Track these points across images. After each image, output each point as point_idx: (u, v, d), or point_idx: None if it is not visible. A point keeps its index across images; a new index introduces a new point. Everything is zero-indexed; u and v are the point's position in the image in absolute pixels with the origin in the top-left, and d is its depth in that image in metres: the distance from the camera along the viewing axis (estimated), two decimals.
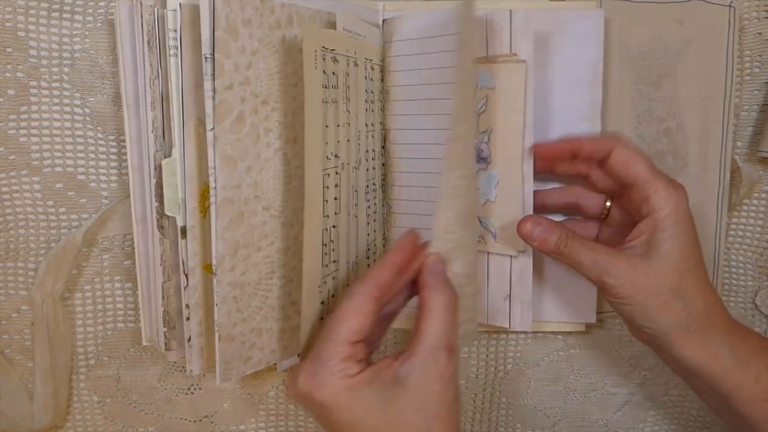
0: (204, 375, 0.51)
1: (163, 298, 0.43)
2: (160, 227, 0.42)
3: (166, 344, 0.43)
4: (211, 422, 0.52)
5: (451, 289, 0.37)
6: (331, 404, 0.34)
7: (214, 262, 0.37)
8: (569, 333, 0.52)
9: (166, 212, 0.41)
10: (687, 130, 0.49)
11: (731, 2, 0.48)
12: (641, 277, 0.39)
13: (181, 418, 0.51)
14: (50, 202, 0.45)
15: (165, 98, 0.40)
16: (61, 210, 0.46)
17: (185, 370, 0.50)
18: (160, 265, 0.42)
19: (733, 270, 0.53)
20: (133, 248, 0.45)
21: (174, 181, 0.40)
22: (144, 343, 0.45)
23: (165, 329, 0.43)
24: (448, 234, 0.38)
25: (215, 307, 0.38)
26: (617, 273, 0.39)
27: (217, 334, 0.38)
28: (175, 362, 0.50)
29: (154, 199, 0.41)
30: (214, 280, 0.37)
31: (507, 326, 0.46)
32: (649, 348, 0.43)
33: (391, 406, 0.34)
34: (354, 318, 0.35)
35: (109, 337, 0.49)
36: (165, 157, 0.41)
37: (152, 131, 0.41)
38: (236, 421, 0.52)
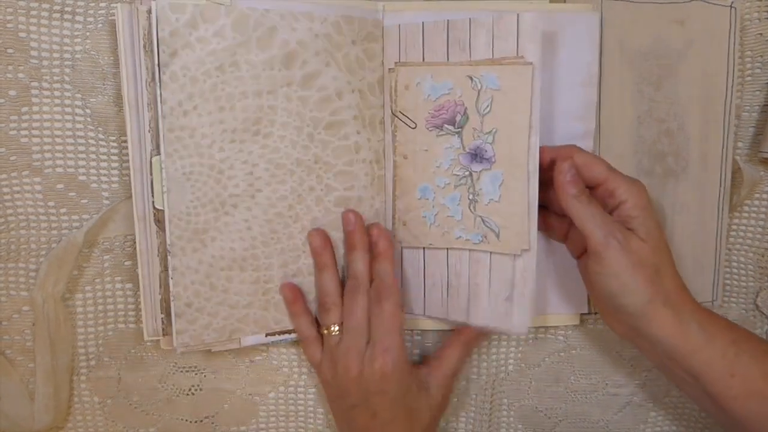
0: (204, 375, 0.50)
1: (160, 286, 0.44)
2: (157, 221, 0.44)
3: (163, 330, 0.45)
4: (212, 423, 0.51)
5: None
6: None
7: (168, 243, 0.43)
8: (569, 333, 0.52)
9: (156, 205, 0.43)
10: (688, 130, 0.49)
11: (732, 3, 0.48)
12: (634, 248, 0.41)
13: (182, 419, 0.51)
14: (51, 203, 0.45)
15: (158, 103, 0.41)
16: (62, 211, 0.46)
17: (185, 371, 0.50)
18: (157, 256, 0.44)
19: (734, 271, 0.53)
20: (134, 249, 0.45)
21: (162, 176, 0.42)
22: (146, 337, 0.45)
23: (162, 315, 0.45)
24: None
25: (170, 280, 0.44)
26: (620, 238, 0.41)
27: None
28: (175, 363, 0.50)
29: (150, 195, 0.43)
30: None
31: (506, 327, 0.46)
32: (627, 339, 0.45)
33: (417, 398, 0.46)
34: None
35: (110, 338, 0.48)
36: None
37: (149, 131, 0.42)
38: (237, 421, 0.52)
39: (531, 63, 0.43)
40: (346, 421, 0.46)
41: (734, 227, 0.52)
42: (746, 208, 0.52)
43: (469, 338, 0.48)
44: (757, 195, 0.52)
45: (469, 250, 0.47)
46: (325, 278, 0.46)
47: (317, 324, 0.47)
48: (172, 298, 0.44)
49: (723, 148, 0.50)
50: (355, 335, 0.44)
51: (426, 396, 0.46)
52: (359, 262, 0.45)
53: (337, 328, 0.45)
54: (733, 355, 0.41)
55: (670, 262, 0.43)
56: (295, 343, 0.50)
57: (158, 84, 0.41)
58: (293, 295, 0.47)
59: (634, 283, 0.41)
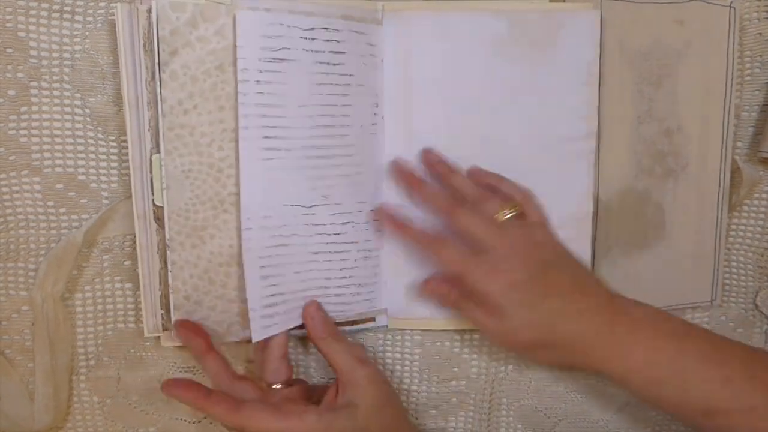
0: (204, 375, 0.50)
1: (160, 283, 0.44)
2: (156, 218, 0.43)
3: (163, 325, 0.45)
4: (211, 423, 0.51)
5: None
6: None
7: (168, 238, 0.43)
8: None
9: (155, 202, 0.43)
10: (687, 130, 0.49)
11: (731, 3, 0.48)
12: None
13: (181, 419, 0.51)
14: (50, 203, 0.45)
15: (158, 101, 0.41)
16: (62, 210, 0.45)
17: (185, 370, 0.49)
18: (157, 253, 0.44)
19: (734, 270, 0.53)
20: (133, 248, 0.45)
21: (162, 174, 0.42)
22: (146, 334, 0.45)
23: (162, 312, 0.45)
24: None
25: (169, 274, 0.43)
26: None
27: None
28: (175, 362, 0.49)
29: (150, 193, 0.43)
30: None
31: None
32: None
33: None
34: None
35: (110, 338, 0.48)
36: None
37: (149, 130, 0.42)
38: None
39: None
40: None
41: (733, 227, 0.52)
42: (746, 208, 0.52)
43: (325, 333, 0.45)
44: (756, 195, 0.51)
45: None
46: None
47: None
48: (171, 291, 0.43)
49: (722, 147, 0.49)
50: None
51: (354, 415, 0.42)
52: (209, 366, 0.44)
53: None
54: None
55: (556, 329, 0.42)
56: (297, 339, 0.50)
57: (158, 82, 0.41)
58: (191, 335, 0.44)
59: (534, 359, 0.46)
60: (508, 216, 0.44)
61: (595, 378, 0.53)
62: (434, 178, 0.47)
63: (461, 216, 0.43)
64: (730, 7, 0.48)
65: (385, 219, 0.47)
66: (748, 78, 0.50)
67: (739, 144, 0.51)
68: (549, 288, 0.42)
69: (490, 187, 0.46)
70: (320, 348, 0.44)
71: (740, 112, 0.50)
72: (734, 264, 0.52)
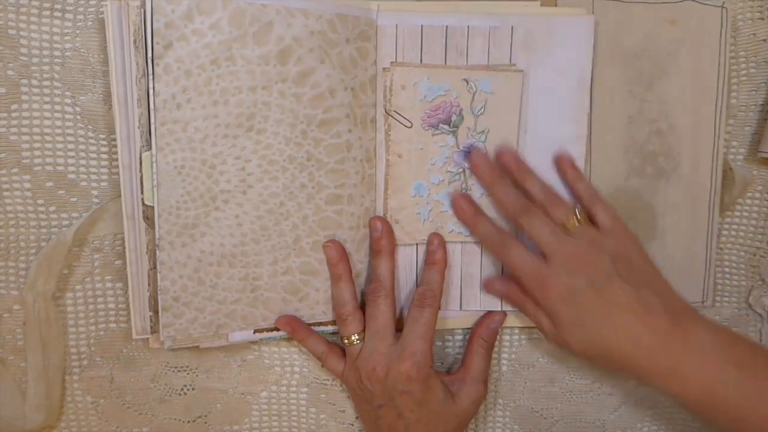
0: (197, 375, 0.47)
1: (149, 284, 0.42)
2: (146, 218, 0.41)
3: (151, 327, 0.43)
4: (205, 422, 0.49)
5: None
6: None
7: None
8: None
9: (146, 201, 0.40)
10: (679, 130, 0.47)
11: (723, 3, 0.46)
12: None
13: (175, 419, 0.48)
14: (40, 201, 0.43)
15: (150, 96, 0.39)
16: (52, 209, 0.43)
17: (177, 370, 0.47)
18: (146, 253, 0.42)
19: (726, 270, 0.50)
20: (124, 248, 0.42)
21: (153, 171, 0.40)
22: (134, 336, 0.43)
23: (151, 313, 0.43)
24: None
25: (158, 274, 0.41)
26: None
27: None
28: (167, 362, 0.47)
29: (139, 192, 0.41)
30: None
31: (500, 309, 0.47)
32: None
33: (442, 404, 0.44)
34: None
35: (102, 338, 0.46)
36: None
37: (138, 128, 0.40)
38: (230, 421, 0.49)
39: (521, 70, 0.44)
40: (373, 421, 0.44)
41: (726, 226, 0.50)
42: (738, 207, 0.50)
43: (486, 337, 0.46)
44: (749, 194, 0.49)
45: (462, 242, 0.46)
46: (340, 289, 0.44)
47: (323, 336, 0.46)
48: (159, 292, 0.41)
49: (714, 147, 0.47)
50: (380, 338, 0.43)
51: (452, 403, 0.44)
52: (383, 267, 0.44)
53: (357, 337, 0.44)
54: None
55: (609, 348, 0.40)
56: (285, 340, 0.48)
57: (151, 76, 0.38)
58: (292, 327, 0.44)
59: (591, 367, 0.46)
60: (578, 222, 0.41)
61: (591, 378, 0.51)
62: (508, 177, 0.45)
63: (527, 220, 0.41)
64: (722, 7, 0.46)
65: (464, 204, 0.44)
66: (744, 78, 0.48)
67: (734, 143, 0.48)
68: (603, 304, 0.40)
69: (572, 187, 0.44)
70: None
71: (736, 112, 0.48)
72: (727, 263, 0.50)
